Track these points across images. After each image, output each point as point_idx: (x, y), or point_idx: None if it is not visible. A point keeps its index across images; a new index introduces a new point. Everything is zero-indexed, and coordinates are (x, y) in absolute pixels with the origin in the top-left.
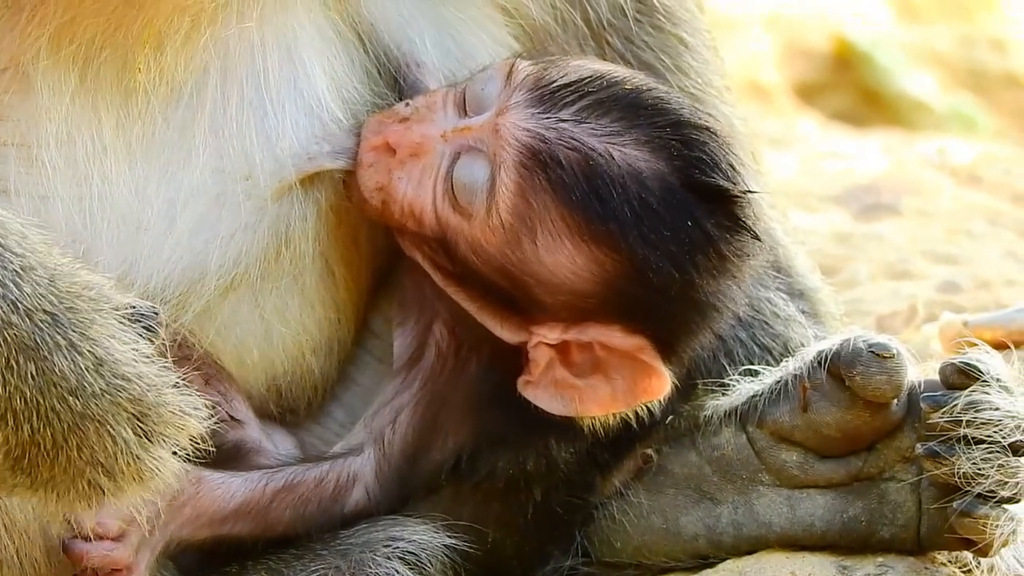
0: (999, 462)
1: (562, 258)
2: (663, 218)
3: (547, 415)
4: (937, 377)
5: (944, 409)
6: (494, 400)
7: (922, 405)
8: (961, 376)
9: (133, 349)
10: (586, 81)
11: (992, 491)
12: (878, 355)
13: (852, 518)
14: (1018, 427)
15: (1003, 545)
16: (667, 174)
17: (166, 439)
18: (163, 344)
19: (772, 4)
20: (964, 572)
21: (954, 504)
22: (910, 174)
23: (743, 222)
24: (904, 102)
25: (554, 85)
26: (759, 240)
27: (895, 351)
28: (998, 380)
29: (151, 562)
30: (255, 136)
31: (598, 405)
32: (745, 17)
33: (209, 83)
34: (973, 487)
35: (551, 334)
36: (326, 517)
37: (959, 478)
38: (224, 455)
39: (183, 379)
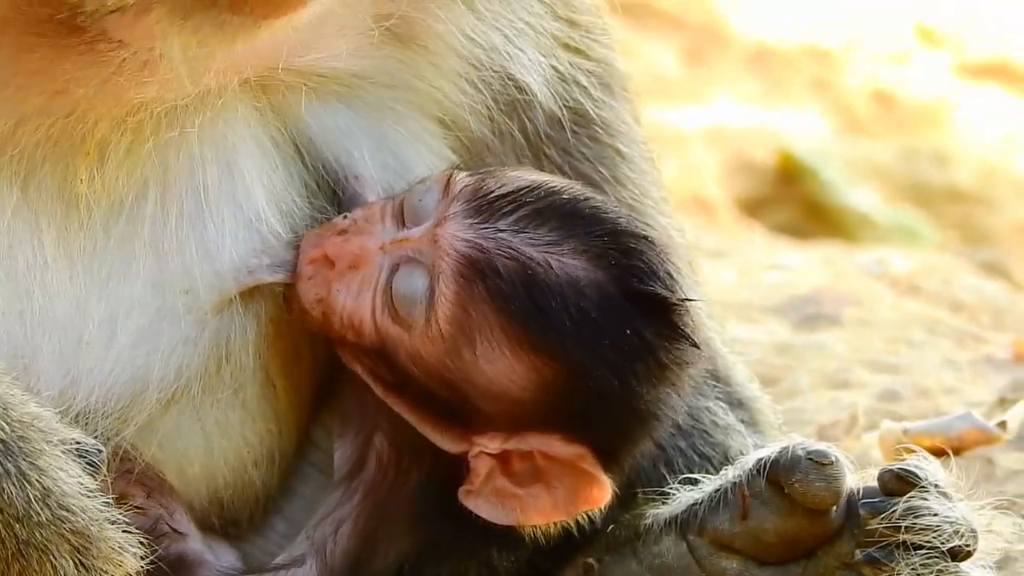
0: (938, 567)
1: (501, 367)
2: (602, 327)
3: (489, 524)
4: (876, 484)
5: (883, 515)
6: (436, 510)
7: (861, 511)
8: (899, 482)
9: (78, 482)
10: (523, 191)
11: None
12: (817, 462)
13: None
14: (956, 532)
15: None
16: (605, 283)
17: (104, 574)
18: (105, 480)
19: (715, 118)
20: None
21: None
22: (850, 285)
23: (682, 330)
24: (848, 215)
25: (492, 196)
26: (698, 348)
27: (834, 458)
28: (936, 486)
29: None
30: (195, 250)
31: (539, 514)
32: (688, 131)
33: (149, 196)
34: None
35: (491, 444)
36: None
37: None
38: (166, 568)
39: (124, 514)
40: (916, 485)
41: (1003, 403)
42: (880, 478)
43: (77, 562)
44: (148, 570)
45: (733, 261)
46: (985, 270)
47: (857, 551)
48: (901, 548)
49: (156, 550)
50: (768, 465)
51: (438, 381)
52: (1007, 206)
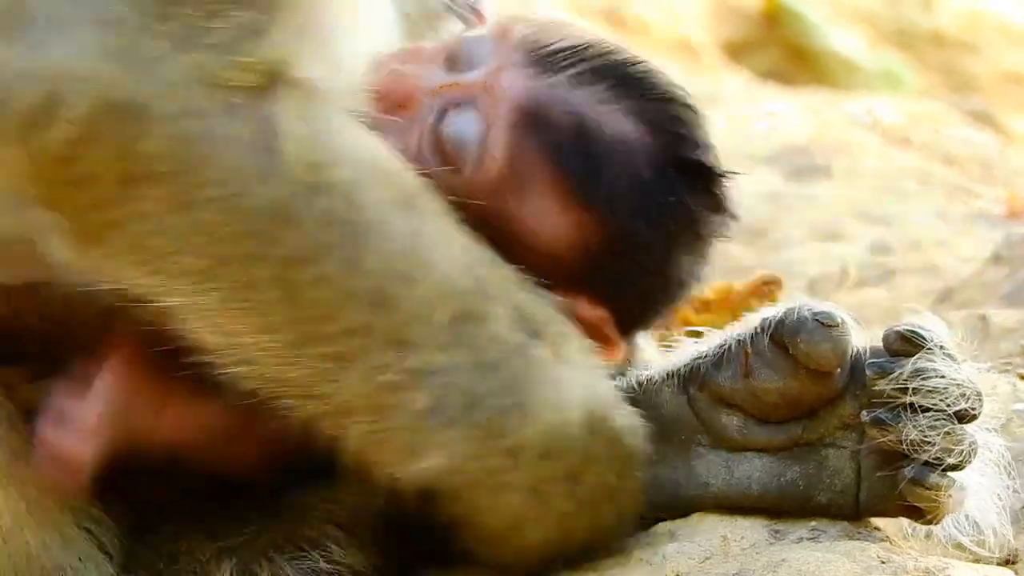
0: (945, 430)
1: (545, 218)
2: (649, 191)
3: None
4: (880, 344)
5: (890, 376)
6: None
7: (867, 372)
8: (905, 343)
9: None
10: (580, 48)
11: (938, 459)
12: (823, 324)
13: (789, 482)
14: (963, 395)
15: (948, 513)
16: (655, 148)
17: None
18: None
19: None
20: (900, 537)
21: (904, 472)
22: (840, 134)
23: (723, 203)
24: (832, 60)
25: (549, 49)
26: (736, 221)
27: (840, 319)
28: (942, 347)
29: None
30: None
31: None
32: None
33: None
34: (919, 455)
35: None
36: None
37: (906, 445)
38: None
39: None
40: (922, 347)
41: (997, 259)
42: (885, 339)
43: None
44: None
45: (720, 107)
46: (973, 118)
47: (863, 412)
48: (908, 410)
49: None
50: (773, 325)
51: (475, 229)
52: (991, 52)
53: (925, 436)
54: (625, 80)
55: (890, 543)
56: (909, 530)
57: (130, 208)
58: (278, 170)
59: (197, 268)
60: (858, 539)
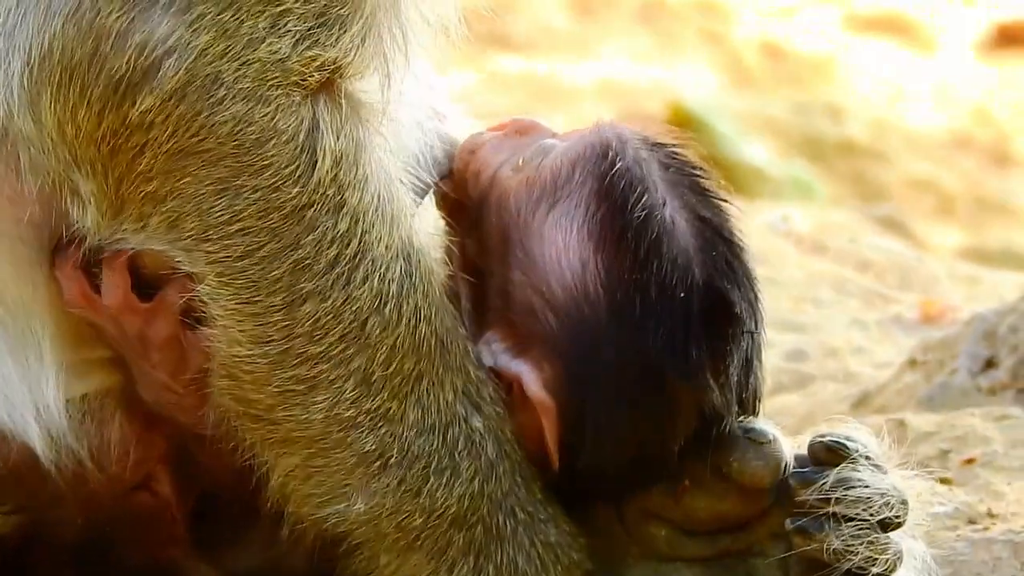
0: (869, 539)
1: (562, 240)
2: (667, 288)
3: None
4: (805, 452)
5: (813, 486)
6: None
7: (791, 481)
8: (830, 453)
9: None
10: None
11: (862, 568)
12: (755, 441)
13: None
14: (887, 504)
15: None
16: (695, 262)
17: None
18: None
19: (606, 72)
20: None
21: None
22: (755, 243)
23: (728, 361)
24: (741, 169)
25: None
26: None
27: (772, 436)
28: (867, 457)
29: None
30: None
31: None
32: (579, 85)
33: None
34: (842, 564)
35: (495, 345)
36: None
37: (828, 554)
38: None
39: None
40: (846, 457)
41: (913, 364)
42: (810, 448)
43: None
44: None
45: None
46: (885, 226)
47: (787, 520)
48: (831, 519)
49: None
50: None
51: (500, 239)
52: (899, 160)
53: (848, 545)
54: (704, 194)
55: None
56: None
57: (175, 184)
58: (312, 176)
59: (224, 257)
60: None
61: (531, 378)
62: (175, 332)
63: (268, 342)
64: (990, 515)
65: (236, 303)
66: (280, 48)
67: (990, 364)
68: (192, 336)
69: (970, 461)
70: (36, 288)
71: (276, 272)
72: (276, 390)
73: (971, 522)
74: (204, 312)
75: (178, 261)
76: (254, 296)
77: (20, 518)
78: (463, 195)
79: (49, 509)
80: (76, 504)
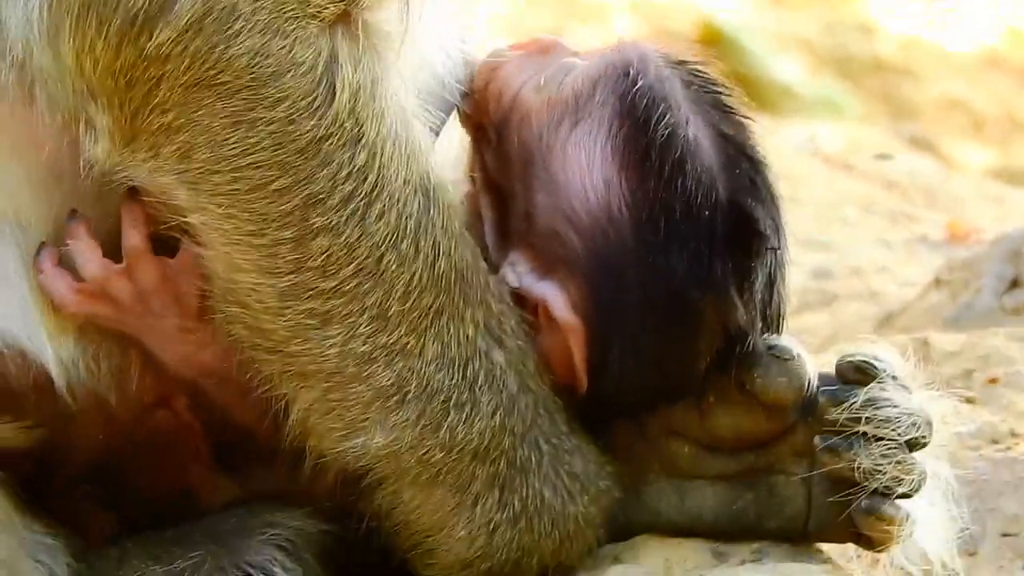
0: (897, 459)
1: (584, 159)
2: (691, 204)
3: None
4: (831, 372)
5: (843, 405)
6: None
7: (819, 399)
8: (858, 373)
9: None
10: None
11: (889, 487)
12: (778, 357)
13: (740, 509)
14: (914, 424)
15: (897, 543)
16: (720, 179)
17: None
18: None
19: None
20: (843, 560)
21: (858, 501)
22: (782, 161)
23: (753, 276)
24: (771, 87)
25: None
26: (751, 308)
27: (796, 353)
28: (894, 377)
29: None
30: None
31: None
32: (609, 2)
33: None
34: (871, 483)
35: (518, 267)
36: None
37: (858, 473)
38: None
39: None
40: (875, 377)
41: (938, 284)
42: (839, 368)
43: None
44: None
45: None
46: (914, 145)
47: (816, 438)
48: (861, 438)
49: None
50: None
51: (523, 161)
52: (930, 79)
53: (877, 464)
54: (728, 113)
55: (833, 565)
56: (854, 554)
57: (190, 116)
58: (330, 109)
59: (233, 190)
60: (801, 561)
61: (557, 300)
62: (159, 269)
63: (276, 274)
64: (1013, 435)
65: (240, 234)
66: None
67: (1015, 284)
68: (175, 263)
69: (993, 381)
70: (52, 209)
71: (287, 206)
72: (288, 322)
73: (994, 442)
74: (184, 237)
75: (175, 193)
76: (262, 229)
77: (42, 432)
78: (484, 115)
79: (70, 426)
80: (97, 422)
